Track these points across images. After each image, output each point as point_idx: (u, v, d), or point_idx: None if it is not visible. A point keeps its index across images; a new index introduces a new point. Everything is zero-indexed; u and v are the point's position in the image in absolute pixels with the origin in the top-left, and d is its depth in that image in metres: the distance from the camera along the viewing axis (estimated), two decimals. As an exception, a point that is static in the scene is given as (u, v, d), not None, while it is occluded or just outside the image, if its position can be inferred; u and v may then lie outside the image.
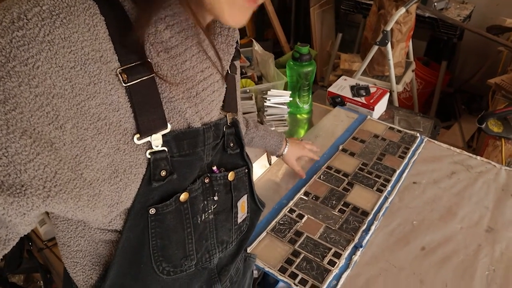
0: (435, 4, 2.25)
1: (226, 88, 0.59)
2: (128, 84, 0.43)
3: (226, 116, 0.61)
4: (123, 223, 0.50)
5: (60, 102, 0.38)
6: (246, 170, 0.66)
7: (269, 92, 1.24)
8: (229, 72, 0.61)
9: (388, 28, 1.72)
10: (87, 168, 0.42)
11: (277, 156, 1.03)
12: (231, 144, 0.63)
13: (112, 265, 0.52)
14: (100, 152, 0.43)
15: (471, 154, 1.16)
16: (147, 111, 0.46)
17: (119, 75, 0.43)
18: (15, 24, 0.36)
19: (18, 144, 0.36)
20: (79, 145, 0.41)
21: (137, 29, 0.44)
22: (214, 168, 0.60)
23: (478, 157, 1.15)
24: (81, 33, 0.39)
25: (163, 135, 0.49)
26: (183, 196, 0.54)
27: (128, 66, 0.43)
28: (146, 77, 0.45)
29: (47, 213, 0.50)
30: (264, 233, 0.90)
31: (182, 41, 0.49)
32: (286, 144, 1.02)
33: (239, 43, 0.67)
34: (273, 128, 1.27)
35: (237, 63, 0.67)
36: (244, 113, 1.23)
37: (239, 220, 0.67)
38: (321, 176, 1.05)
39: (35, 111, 0.37)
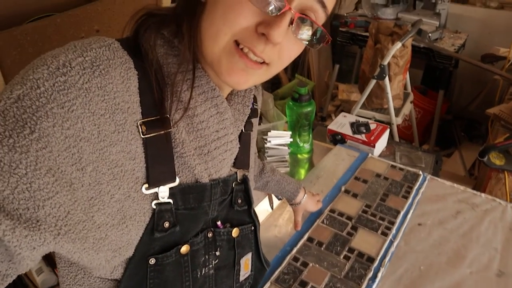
0: (430, 35, 2.29)
1: (239, 147, 0.59)
2: (146, 136, 0.46)
3: (236, 172, 0.61)
4: (123, 271, 0.50)
5: (85, 146, 0.41)
6: (253, 228, 0.66)
7: (269, 133, 1.25)
8: (244, 130, 0.61)
9: (385, 63, 1.74)
10: (99, 211, 0.44)
11: (290, 204, 1.01)
12: (239, 201, 0.63)
13: None
14: (112, 197, 0.45)
15: (475, 192, 1.15)
16: (159, 163, 0.48)
17: (139, 126, 0.46)
18: (59, 70, 0.40)
19: (42, 181, 0.38)
20: (96, 188, 0.43)
21: (163, 87, 0.48)
22: (219, 223, 0.60)
23: (483, 195, 1.13)
24: (116, 84, 0.43)
25: (170, 188, 0.50)
26: (184, 249, 0.54)
27: (149, 119, 0.47)
28: (163, 132, 0.48)
29: (44, 261, 0.51)
30: (268, 283, 0.88)
31: (202, 102, 0.52)
32: (305, 195, 0.99)
33: (257, 101, 0.68)
34: (274, 169, 1.27)
35: (255, 121, 0.67)
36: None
37: (241, 278, 0.66)
38: (325, 220, 1.04)
39: (63, 152, 0.40)
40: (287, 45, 0.48)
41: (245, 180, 0.63)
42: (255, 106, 0.66)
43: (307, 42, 0.49)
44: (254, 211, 0.66)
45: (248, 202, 0.64)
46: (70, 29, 0.93)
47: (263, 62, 0.48)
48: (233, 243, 0.62)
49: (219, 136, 0.54)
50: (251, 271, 0.68)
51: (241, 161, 0.62)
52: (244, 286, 0.67)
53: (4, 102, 0.38)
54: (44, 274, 1.12)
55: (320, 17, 0.49)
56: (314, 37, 0.49)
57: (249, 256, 0.66)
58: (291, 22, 0.46)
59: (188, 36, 0.49)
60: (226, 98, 0.57)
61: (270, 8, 0.44)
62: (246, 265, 0.66)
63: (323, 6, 0.49)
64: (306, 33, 0.48)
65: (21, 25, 0.87)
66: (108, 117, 0.43)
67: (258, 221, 0.67)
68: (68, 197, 0.40)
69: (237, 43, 0.46)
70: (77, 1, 0.95)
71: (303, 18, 0.47)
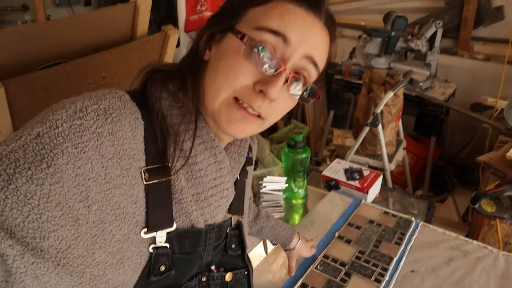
0: (421, 84, 2.38)
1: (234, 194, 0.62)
2: (148, 182, 0.49)
3: (231, 218, 0.63)
4: None
5: (93, 185, 0.44)
6: (246, 273, 0.67)
7: (265, 179, 1.27)
8: (239, 178, 0.64)
9: (378, 111, 1.81)
10: (100, 249, 0.46)
11: (285, 250, 1.01)
12: (233, 246, 0.64)
13: None
14: (114, 237, 0.47)
15: (467, 239, 1.17)
16: (158, 209, 0.51)
17: (143, 173, 0.49)
18: (76, 114, 0.44)
19: (51, 214, 0.41)
20: (99, 227, 0.45)
21: (167, 137, 0.52)
22: (213, 267, 0.62)
23: (475, 242, 1.15)
24: (125, 132, 0.47)
25: (167, 232, 0.52)
26: None
27: (152, 167, 0.50)
28: (164, 179, 0.51)
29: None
30: (262, 331, 0.87)
31: (201, 151, 0.55)
32: (299, 240, 1.00)
33: (252, 150, 0.71)
34: (269, 214, 1.28)
35: (250, 168, 0.71)
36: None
37: None
38: (318, 266, 1.05)
39: (72, 188, 0.42)
40: (281, 101, 0.53)
41: (239, 225, 0.65)
42: (250, 155, 0.70)
43: (300, 98, 0.54)
44: (247, 256, 0.67)
45: (242, 247, 0.66)
46: (78, 76, 0.98)
47: (259, 116, 0.53)
48: (226, 287, 0.63)
49: (216, 184, 0.57)
50: None
51: (235, 207, 0.64)
52: None
53: (25, 138, 0.42)
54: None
55: (312, 75, 0.55)
56: (306, 92, 0.54)
57: None
58: (286, 81, 0.50)
59: (192, 91, 0.54)
60: (224, 148, 0.60)
61: (267, 68, 0.49)
62: None
63: (315, 65, 0.54)
64: (299, 89, 0.53)
65: (33, 72, 0.92)
66: (116, 161, 0.46)
67: (251, 266, 0.68)
68: (71, 232, 0.43)
69: (236, 98, 0.51)
70: (86, 50, 1.01)
71: (296, 77, 0.52)
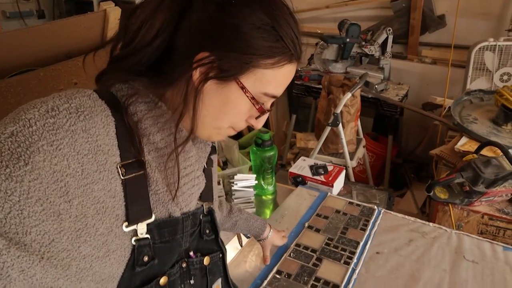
0: (376, 86, 2.53)
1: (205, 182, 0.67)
2: (125, 177, 0.51)
3: (203, 205, 0.67)
4: None
5: (71, 181, 0.46)
6: (221, 255, 0.71)
7: (235, 177, 1.33)
8: (206, 166, 0.69)
9: (338, 111, 1.91)
10: (86, 243, 0.48)
11: (258, 240, 1.07)
12: (207, 231, 0.68)
13: None
14: (97, 231, 0.49)
15: (424, 222, 1.27)
16: (136, 202, 0.53)
17: (119, 169, 0.51)
18: (49, 113, 0.45)
19: (31, 209, 0.43)
20: (82, 221, 0.47)
21: (136, 132, 0.54)
22: (191, 253, 0.65)
23: (431, 224, 1.25)
24: (98, 128, 0.49)
25: (147, 224, 0.54)
26: (162, 280, 0.58)
27: (127, 162, 0.52)
28: (139, 173, 0.53)
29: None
30: (242, 316, 0.92)
31: (170, 143, 0.58)
32: (271, 230, 1.06)
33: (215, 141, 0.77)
34: (241, 210, 1.33)
35: (214, 157, 0.76)
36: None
37: None
38: (291, 254, 1.11)
39: (52, 184, 0.44)
40: None
41: (210, 211, 0.69)
42: (213, 144, 0.75)
43: None
44: (221, 239, 0.72)
45: (215, 231, 0.70)
46: (50, 82, 1.00)
47: None
48: (205, 270, 0.67)
49: (186, 173, 0.61)
50: None
51: (206, 194, 0.68)
52: None
53: None
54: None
55: None
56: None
57: (219, 282, 0.72)
58: None
59: (179, 110, 0.56)
60: (192, 141, 0.64)
61: (263, 112, 0.59)
62: None
63: None
64: None
65: (5, 78, 0.93)
66: (91, 157, 0.47)
67: (225, 248, 0.73)
68: (54, 226, 0.44)
69: None
70: (58, 57, 1.04)
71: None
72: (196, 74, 0.54)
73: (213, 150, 0.73)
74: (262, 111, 0.59)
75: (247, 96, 0.56)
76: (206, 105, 0.56)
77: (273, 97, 0.59)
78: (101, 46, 0.57)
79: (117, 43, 0.56)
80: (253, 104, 0.57)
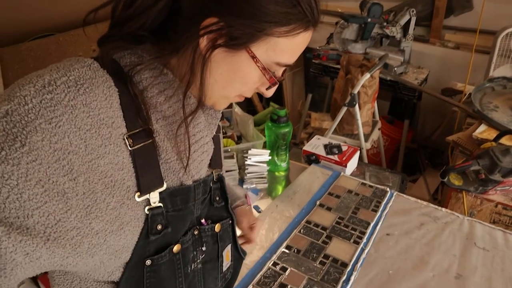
0: (395, 69, 2.48)
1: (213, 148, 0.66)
2: (133, 148, 0.50)
3: (212, 172, 0.67)
4: (121, 275, 0.54)
5: (74, 158, 0.44)
6: (230, 222, 0.72)
7: (249, 151, 1.33)
8: (214, 133, 0.69)
9: (355, 91, 1.88)
10: (97, 218, 0.47)
11: (234, 207, 0.96)
12: (217, 198, 0.68)
13: None
14: (109, 205, 0.48)
15: (436, 206, 1.26)
16: (147, 171, 0.52)
17: (126, 139, 0.49)
18: (45, 88, 0.43)
19: (32, 192, 0.41)
20: (91, 197, 0.46)
21: (142, 101, 0.52)
22: (203, 220, 0.66)
23: (443, 209, 1.25)
24: (99, 101, 0.46)
25: (159, 193, 0.54)
26: (176, 248, 0.58)
27: (134, 132, 0.50)
28: (147, 142, 0.52)
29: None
30: (250, 286, 0.93)
31: (178, 110, 0.56)
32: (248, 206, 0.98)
33: None
34: (253, 186, 1.34)
35: (220, 123, 0.75)
36: (226, 171, 1.30)
37: (224, 268, 0.72)
38: (301, 230, 1.12)
39: (53, 164, 0.42)
40: None
41: (220, 178, 0.68)
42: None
43: None
44: (230, 206, 0.71)
45: (225, 198, 0.70)
46: (70, 48, 1.00)
47: None
48: (216, 237, 0.68)
49: (196, 140, 0.59)
50: (231, 261, 0.74)
51: (215, 161, 0.67)
52: (227, 275, 0.73)
53: None
54: (25, 285, 1.13)
55: None
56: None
57: (229, 248, 0.72)
58: None
59: (187, 78, 0.53)
60: (201, 108, 0.61)
61: (274, 83, 0.57)
62: (227, 256, 0.72)
63: None
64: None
65: (26, 42, 0.93)
66: (94, 132, 0.45)
67: (234, 215, 0.73)
68: (59, 206, 0.43)
69: None
70: (78, 23, 1.03)
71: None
72: (204, 42, 0.50)
73: (221, 116, 0.73)
74: (273, 82, 0.56)
75: (258, 66, 0.52)
76: (214, 74, 0.53)
77: (286, 66, 0.56)
78: (100, 7, 0.51)
79: (118, 3, 0.52)
80: (264, 74, 0.54)
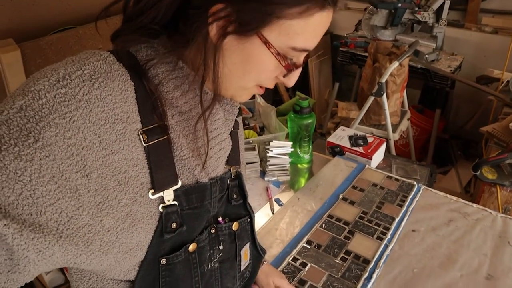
0: (427, 56, 2.37)
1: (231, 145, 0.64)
2: (148, 144, 0.49)
3: (230, 169, 0.65)
4: (136, 274, 0.53)
5: (88, 154, 0.43)
6: (249, 220, 0.70)
7: (271, 143, 1.31)
8: (232, 129, 0.66)
9: (383, 80, 1.82)
10: (108, 215, 0.46)
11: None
12: (235, 196, 0.66)
13: None
14: (120, 202, 0.47)
15: (467, 202, 1.20)
16: (161, 168, 0.51)
17: (140, 135, 0.48)
18: (60, 83, 0.42)
19: (45, 188, 0.41)
20: (103, 194, 0.45)
21: (158, 96, 0.51)
22: (220, 219, 0.64)
23: (474, 205, 1.19)
24: (114, 96, 0.45)
25: (174, 190, 0.53)
26: (191, 247, 0.57)
27: (148, 128, 0.49)
28: (162, 138, 0.51)
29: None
30: (269, 282, 0.92)
31: (195, 105, 0.54)
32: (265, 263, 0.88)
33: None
34: (275, 178, 1.32)
35: (239, 119, 0.73)
36: (247, 163, 1.29)
37: (242, 267, 0.70)
38: (323, 225, 1.09)
39: (66, 159, 0.42)
40: None
41: (238, 175, 0.66)
42: (240, 105, 0.71)
43: None
44: (249, 204, 0.69)
45: (243, 196, 0.68)
46: (89, 40, 1.00)
47: None
48: (234, 236, 0.66)
49: (213, 136, 0.57)
50: (249, 259, 0.72)
51: (233, 158, 0.65)
52: (245, 274, 0.72)
53: (7, 112, 0.40)
54: (52, 273, 1.16)
55: None
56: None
57: (247, 246, 0.71)
58: None
59: (201, 71, 0.51)
60: (218, 103, 0.59)
61: (290, 69, 0.53)
62: (245, 255, 0.70)
63: None
64: None
65: (46, 36, 0.94)
66: (109, 127, 0.45)
67: (253, 212, 0.71)
68: (71, 203, 0.43)
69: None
70: (98, 15, 1.03)
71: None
72: (213, 30, 0.48)
73: (239, 111, 0.71)
74: (289, 69, 0.52)
75: (272, 52, 0.49)
76: (227, 63, 0.51)
77: (304, 50, 0.52)
78: (112, 3, 0.51)
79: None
80: (279, 60, 0.50)
